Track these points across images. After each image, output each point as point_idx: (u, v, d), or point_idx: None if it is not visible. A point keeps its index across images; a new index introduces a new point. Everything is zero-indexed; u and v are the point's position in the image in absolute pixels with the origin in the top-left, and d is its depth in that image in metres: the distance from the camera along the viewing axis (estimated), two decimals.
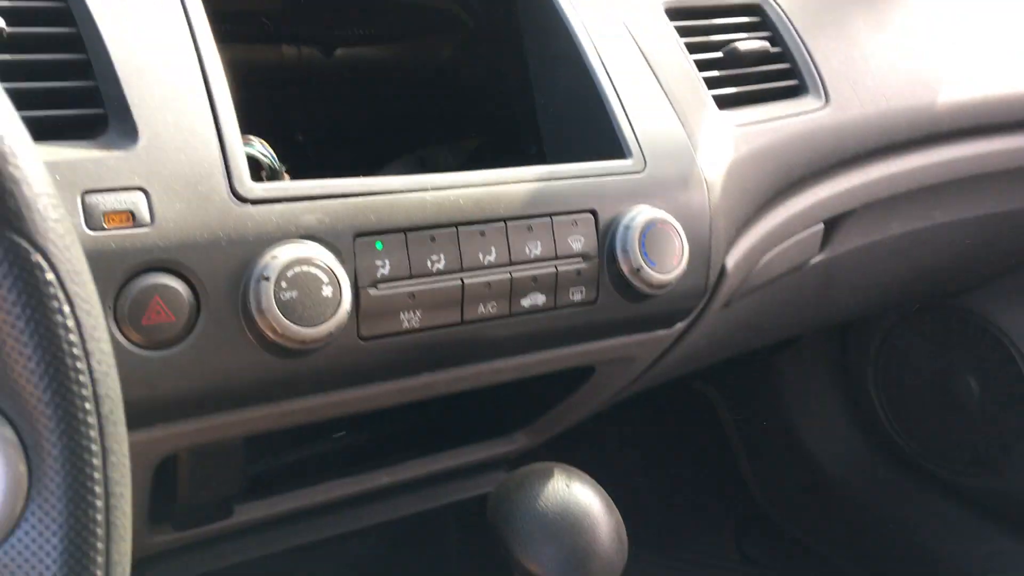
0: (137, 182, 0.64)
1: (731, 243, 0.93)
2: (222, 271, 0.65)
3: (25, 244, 0.35)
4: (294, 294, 0.65)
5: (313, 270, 0.66)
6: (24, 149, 0.36)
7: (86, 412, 0.37)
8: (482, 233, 0.75)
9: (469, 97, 1.09)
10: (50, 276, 0.36)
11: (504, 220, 0.76)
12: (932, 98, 1.11)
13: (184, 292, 0.64)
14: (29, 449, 0.36)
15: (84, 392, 0.37)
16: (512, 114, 1.01)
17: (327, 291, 0.67)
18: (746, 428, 1.91)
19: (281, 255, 0.66)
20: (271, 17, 1.01)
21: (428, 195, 0.74)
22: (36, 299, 0.35)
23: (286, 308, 0.65)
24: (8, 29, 0.67)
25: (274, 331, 0.65)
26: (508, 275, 0.76)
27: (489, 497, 0.85)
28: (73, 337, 0.36)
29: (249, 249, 0.66)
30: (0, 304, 0.35)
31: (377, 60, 1.12)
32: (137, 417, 0.66)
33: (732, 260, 0.93)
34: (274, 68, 1.07)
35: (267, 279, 0.65)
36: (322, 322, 0.66)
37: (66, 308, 0.36)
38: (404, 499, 1.03)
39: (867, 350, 1.76)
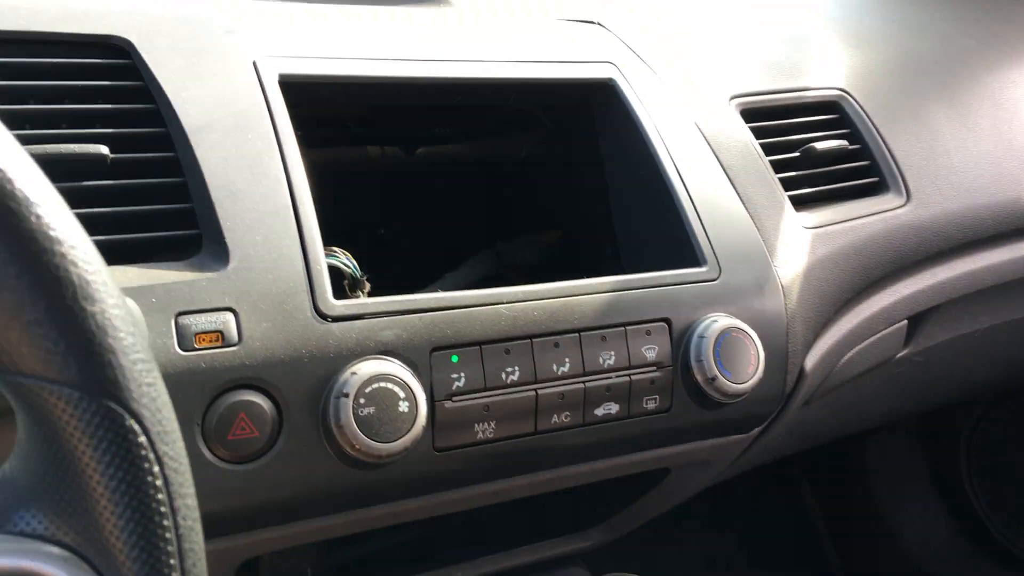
0: (227, 303, 0.67)
1: (809, 345, 0.92)
2: (304, 388, 0.68)
3: (120, 410, 0.38)
4: (372, 410, 0.67)
5: (390, 386, 0.68)
6: (122, 320, 0.38)
7: (171, 568, 0.39)
8: (556, 344, 0.76)
9: (546, 194, 1.11)
10: (142, 439, 0.38)
11: (578, 331, 0.77)
12: (1018, 191, 1.08)
13: (268, 408, 0.67)
14: None
15: (170, 548, 0.39)
16: (588, 213, 1.03)
17: (403, 406, 0.68)
18: (832, 511, 1.85)
19: (360, 371, 0.68)
20: (357, 121, 1.06)
21: (503, 308, 0.75)
22: (128, 461, 0.38)
23: (364, 424, 0.67)
24: (112, 156, 0.72)
25: (352, 446, 0.67)
26: (582, 385, 0.77)
27: None
28: (161, 496, 0.39)
29: (330, 365, 0.69)
30: (95, 466, 0.38)
31: (458, 157, 1.16)
32: (221, 527, 0.69)
33: (811, 362, 0.92)
34: (358, 167, 1.11)
35: (346, 396, 0.67)
36: (398, 437, 0.68)
37: (156, 468, 0.39)
38: None
39: (958, 435, 1.70)
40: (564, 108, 1.02)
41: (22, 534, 0.38)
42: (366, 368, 0.68)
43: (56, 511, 0.38)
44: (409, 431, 0.68)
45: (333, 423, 0.67)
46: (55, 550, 0.38)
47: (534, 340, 0.76)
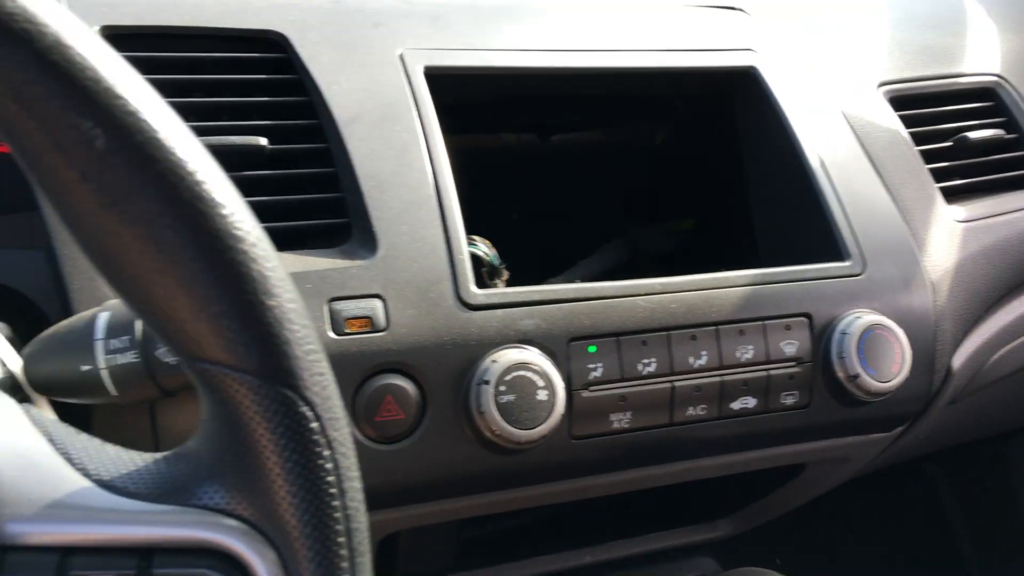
0: (375, 290, 0.70)
1: (957, 344, 0.88)
2: (447, 373, 0.70)
3: (295, 397, 0.40)
4: (512, 398, 0.69)
5: (530, 375, 0.70)
6: (297, 313, 0.41)
7: (339, 545, 0.41)
8: (693, 337, 0.76)
9: (680, 182, 1.11)
10: (315, 425, 0.41)
11: (716, 324, 0.77)
12: None
13: (413, 392, 0.69)
14: (291, 574, 0.41)
15: (338, 527, 0.41)
16: (724, 202, 1.02)
17: (542, 395, 0.70)
18: (973, 513, 1.77)
19: (500, 359, 0.70)
20: (493, 109, 1.07)
21: (640, 300, 0.75)
22: (303, 445, 0.40)
23: (504, 411, 0.69)
24: (269, 147, 0.75)
25: (492, 432, 0.69)
26: (718, 379, 0.77)
27: None
28: (331, 479, 0.41)
29: (471, 353, 0.71)
30: (272, 448, 0.40)
31: (592, 144, 1.16)
32: (366, 503, 0.72)
33: (959, 361, 0.89)
34: (493, 154, 1.13)
35: (487, 383, 0.69)
36: (537, 425, 0.69)
37: (327, 452, 0.41)
38: None
39: None
40: (702, 96, 1.01)
41: (205, 507, 0.41)
42: (506, 356, 0.70)
43: (236, 487, 0.41)
44: (547, 419, 0.70)
45: (474, 409, 0.69)
46: (234, 523, 0.41)
47: (671, 332, 0.76)
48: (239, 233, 0.39)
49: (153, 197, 0.37)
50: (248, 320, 0.39)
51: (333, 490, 0.41)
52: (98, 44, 0.37)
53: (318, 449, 0.41)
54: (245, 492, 0.41)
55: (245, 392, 0.40)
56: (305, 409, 0.40)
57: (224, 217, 0.39)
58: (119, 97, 0.37)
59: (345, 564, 0.41)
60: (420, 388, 0.70)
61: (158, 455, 0.44)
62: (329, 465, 0.41)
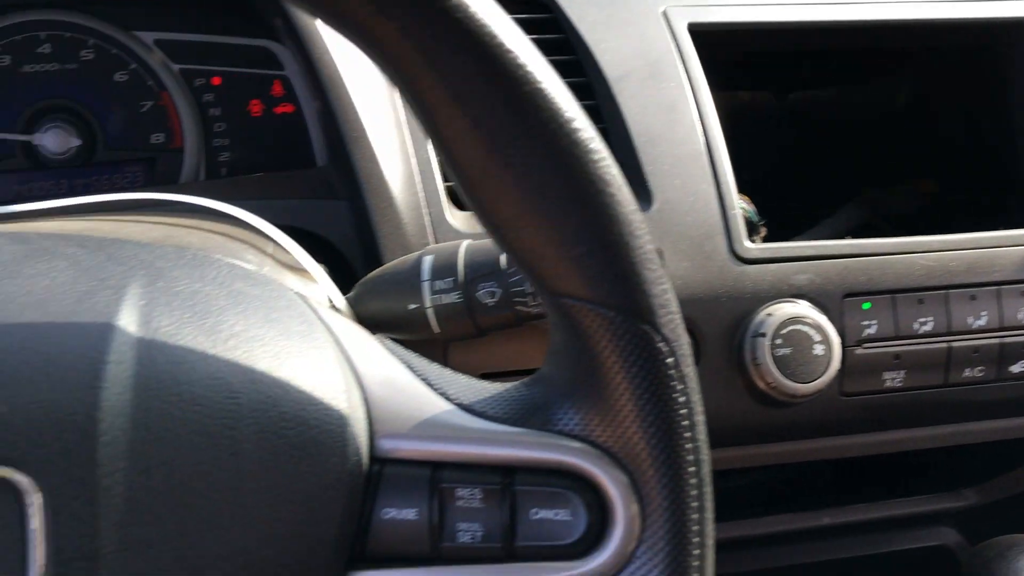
0: (652, 242, 0.72)
1: None
2: (720, 325, 0.71)
3: (652, 332, 0.43)
4: (788, 351, 0.70)
5: (806, 329, 0.70)
6: (653, 254, 0.43)
7: (689, 474, 0.44)
8: (972, 297, 0.74)
9: (924, 139, 1.06)
10: (670, 360, 0.43)
11: (998, 284, 0.74)
12: None
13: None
14: (643, 497, 0.44)
15: (689, 458, 0.43)
16: (977, 161, 0.97)
17: (818, 349, 0.70)
18: None
19: (775, 313, 0.70)
20: (734, 65, 1.06)
21: (918, 257, 0.74)
22: (659, 378, 0.43)
23: (780, 364, 0.69)
24: None
25: (767, 384, 0.70)
26: (998, 341, 0.74)
27: (965, 565, 0.83)
28: (684, 411, 0.43)
29: (745, 306, 0.72)
30: (629, 379, 0.43)
31: (830, 102, 1.13)
32: None
33: None
34: (728, 111, 1.12)
35: (763, 335, 0.70)
36: (813, 379, 0.70)
37: (680, 387, 0.43)
38: (843, 542, 1.04)
39: None
40: (962, 49, 0.96)
41: (560, 432, 0.45)
42: (782, 310, 0.70)
43: (590, 414, 0.44)
44: (823, 374, 0.70)
45: (749, 360, 0.70)
46: (588, 447, 0.44)
47: (950, 291, 0.74)
48: (608, 178, 0.41)
49: (537, 143, 0.40)
50: (614, 260, 0.42)
51: (685, 422, 0.43)
52: (490, 3, 0.40)
53: (672, 383, 0.43)
54: (599, 419, 0.44)
55: (606, 327, 0.42)
56: (662, 345, 0.43)
57: (596, 163, 0.41)
58: (510, 52, 0.40)
59: (694, 492, 0.44)
60: (694, 338, 0.71)
61: (507, 384, 0.48)
62: (682, 399, 0.43)
